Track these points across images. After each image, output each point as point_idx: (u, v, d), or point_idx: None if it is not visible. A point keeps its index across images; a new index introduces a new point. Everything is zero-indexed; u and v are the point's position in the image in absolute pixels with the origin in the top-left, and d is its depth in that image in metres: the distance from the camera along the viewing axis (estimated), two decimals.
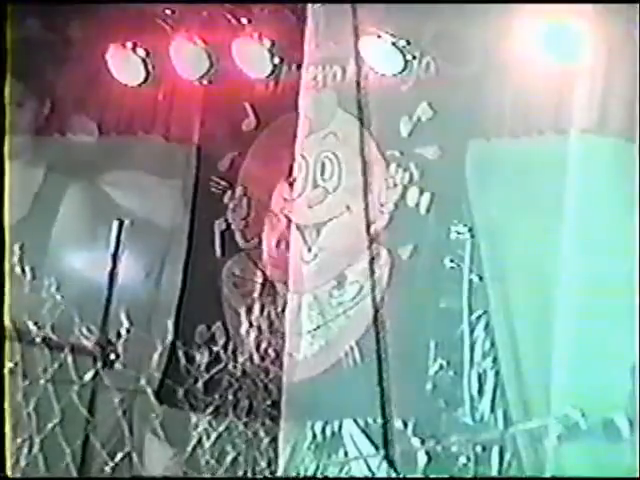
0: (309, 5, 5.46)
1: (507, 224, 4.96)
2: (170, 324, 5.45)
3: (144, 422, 5.43)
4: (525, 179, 4.92)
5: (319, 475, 5.26)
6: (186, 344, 5.40)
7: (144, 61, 5.63)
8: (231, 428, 5.31)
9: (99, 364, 5.43)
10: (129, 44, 5.62)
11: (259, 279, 5.58)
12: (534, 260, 4.87)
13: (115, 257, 5.52)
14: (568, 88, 4.83)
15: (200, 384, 5.37)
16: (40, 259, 5.71)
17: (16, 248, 5.62)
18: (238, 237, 5.70)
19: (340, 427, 5.23)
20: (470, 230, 5.05)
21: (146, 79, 5.68)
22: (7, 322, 5.08)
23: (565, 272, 4.78)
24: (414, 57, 5.18)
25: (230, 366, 5.31)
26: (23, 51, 5.38)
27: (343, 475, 5.21)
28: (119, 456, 5.42)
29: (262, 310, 5.35)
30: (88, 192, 5.70)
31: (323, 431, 5.25)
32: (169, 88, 5.74)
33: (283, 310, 5.25)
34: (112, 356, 5.55)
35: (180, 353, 5.40)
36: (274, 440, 5.22)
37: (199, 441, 5.34)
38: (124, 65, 5.67)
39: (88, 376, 5.48)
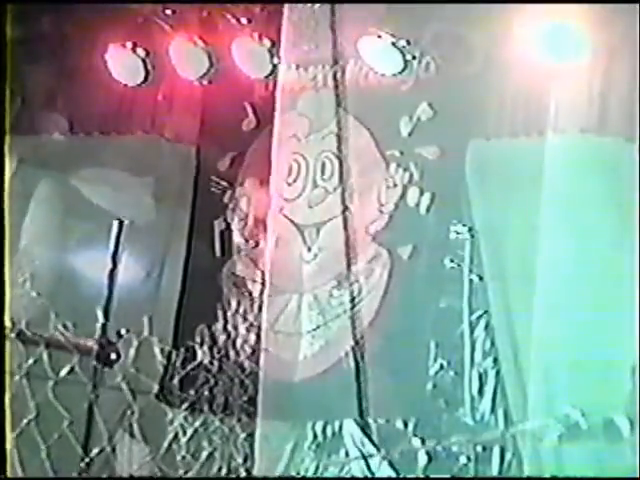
0: (309, 5, 5.47)
1: (507, 224, 4.96)
2: (146, 320, 5.43)
3: (119, 418, 5.41)
4: (525, 179, 4.92)
5: (319, 475, 5.27)
6: (162, 341, 5.40)
7: (144, 61, 5.63)
8: (207, 424, 5.30)
9: (75, 360, 5.40)
10: (129, 44, 5.62)
11: (259, 279, 5.58)
12: (534, 260, 4.86)
13: (115, 257, 5.52)
14: (568, 88, 4.83)
15: (176, 380, 5.36)
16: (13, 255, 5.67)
17: None
18: (238, 237, 5.70)
19: (340, 427, 5.23)
20: (470, 230, 5.05)
21: (146, 79, 5.68)
22: (7, 322, 5.11)
23: (564, 272, 4.78)
24: (414, 57, 5.18)
25: (206, 362, 5.30)
26: (23, 51, 5.38)
27: (343, 475, 5.22)
28: (94, 452, 5.40)
29: (238, 307, 5.35)
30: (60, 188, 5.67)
31: (323, 431, 5.25)
32: (169, 88, 5.74)
33: (260, 308, 5.25)
34: (113, 356, 5.55)
35: (156, 350, 5.40)
36: (250, 436, 5.22)
37: (175, 437, 5.34)
38: (124, 65, 5.67)
39: (64, 372, 5.47)
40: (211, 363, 5.28)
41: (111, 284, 5.49)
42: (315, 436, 5.26)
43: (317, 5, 5.42)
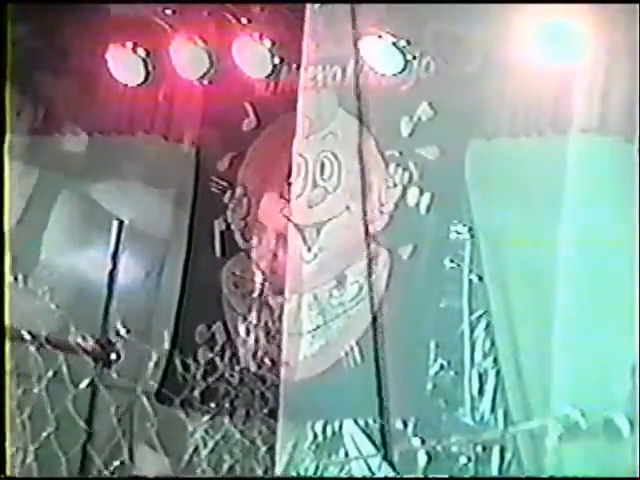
0: (309, 5, 5.46)
1: (507, 224, 4.96)
2: (167, 334, 5.42)
3: (140, 430, 5.40)
4: (525, 179, 4.92)
5: (319, 475, 5.27)
6: (183, 352, 5.38)
7: (144, 61, 5.63)
8: (228, 436, 5.29)
9: (97, 369, 5.40)
10: (129, 44, 5.62)
11: (259, 279, 5.58)
12: (534, 260, 4.86)
13: (115, 257, 5.53)
14: (568, 88, 4.83)
15: (197, 392, 5.35)
16: (33, 266, 5.67)
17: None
18: (238, 237, 5.70)
19: (340, 427, 5.23)
20: (470, 230, 5.05)
21: (146, 79, 5.68)
22: (7, 322, 5.11)
23: (564, 272, 4.78)
24: (414, 57, 5.18)
25: (227, 374, 5.29)
26: (22, 51, 5.38)
27: (343, 475, 5.21)
28: (115, 464, 5.40)
29: (259, 318, 5.34)
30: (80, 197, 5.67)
31: (323, 431, 5.25)
32: (169, 88, 5.74)
33: (280, 317, 5.24)
34: (113, 356, 5.55)
35: (177, 361, 5.39)
36: (271, 448, 5.20)
37: (196, 449, 5.33)
38: (124, 65, 5.67)
39: (84, 384, 5.46)
40: (232, 375, 5.27)
41: (111, 284, 5.51)
42: (315, 436, 5.27)
43: (317, 5, 5.42)
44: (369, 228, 5.32)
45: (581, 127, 4.80)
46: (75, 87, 5.87)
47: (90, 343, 5.55)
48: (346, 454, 5.21)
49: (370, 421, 5.16)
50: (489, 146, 5.05)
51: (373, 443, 5.14)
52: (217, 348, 5.46)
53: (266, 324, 5.31)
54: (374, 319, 5.17)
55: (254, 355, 5.28)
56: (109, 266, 5.58)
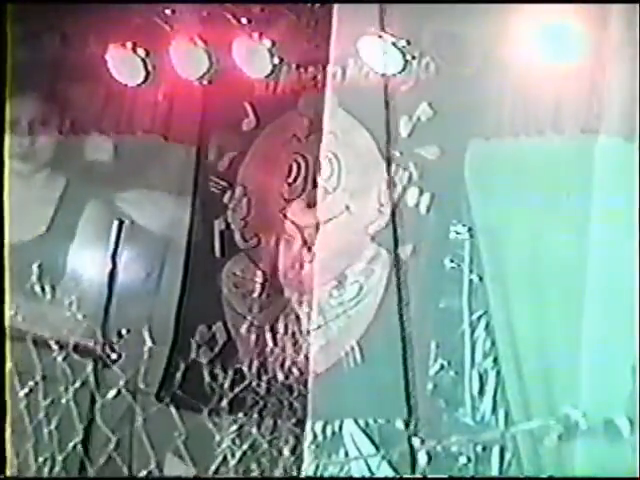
0: (309, 5, 5.47)
1: (507, 224, 4.96)
2: (194, 343, 5.40)
3: (168, 440, 5.38)
4: (525, 179, 4.92)
5: (319, 475, 5.27)
6: (210, 362, 5.37)
7: (144, 61, 5.62)
8: (256, 446, 5.28)
9: (122, 382, 5.40)
10: (129, 44, 5.61)
11: (259, 279, 5.57)
12: (534, 260, 4.87)
13: (114, 257, 5.53)
14: (568, 88, 4.83)
15: (225, 402, 5.34)
16: (60, 277, 5.66)
17: (34, 267, 5.62)
18: (238, 237, 5.70)
19: (340, 427, 5.23)
20: (470, 230, 5.05)
21: (146, 79, 5.68)
22: (7, 322, 5.11)
23: (564, 272, 4.78)
24: (414, 57, 5.18)
25: (255, 384, 5.28)
26: (22, 51, 5.39)
27: (343, 475, 5.22)
28: (141, 474, 5.39)
29: (286, 328, 5.33)
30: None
31: (323, 431, 5.25)
32: (169, 88, 5.74)
33: (308, 331, 5.22)
34: (113, 356, 5.55)
35: (205, 371, 5.37)
36: (298, 458, 5.19)
37: (224, 459, 5.31)
38: (124, 65, 5.67)
39: (111, 394, 5.46)
40: (259, 385, 5.26)
41: (111, 284, 5.51)
42: (315, 436, 5.27)
43: (317, 5, 5.42)
44: (369, 228, 5.33)
45: (581, 127, 4.80)
46: (75, 87, 5.86)
47: (90, 343, 5.55)
48: (346, 454, 5.22)
49: (370, 421, 5.17)
50: (489, 146, 5.05)
51: (373, 443, 5.15)
52: (216, 349, 5.46)
53: (293, 334, 5.30)
54: (372, 321, 5.16)
55: (282, 365, 5.27)
56: (109, 266, 5.58)
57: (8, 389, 5.14)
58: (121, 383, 5.40)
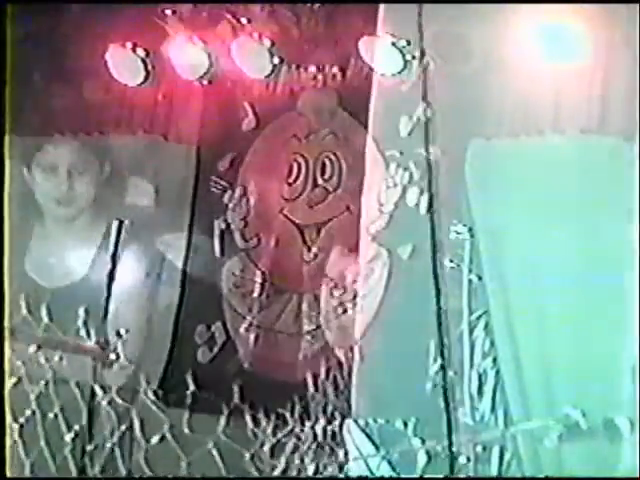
0: (308, 5, 5.47)
1: (507, 224, 4.96)
2: (236, 387, 5.38)
3: None
4: (525, 179, 4.91)
5: (319, 475, 5.27)
6: (253, 407, 5.35)
7: (144, 61, 5.62)
8: None
9: (166, 427, 5.38)
10: (129, 44, 5.61)
11: (259, 279, 5.58)
12: (534, 260, 4.86)
13: (114, 257, 5.52)
14: (568, 88, 4.83)
15: (267, 447, 5.32)
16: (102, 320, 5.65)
17: (81, 311, 5.61)
18: (238, 237, 5.70)
19: (340, 427, 5.23)
20: (470, 230, 5.05)
21: (146, 79, 5.68)
22: (7, 323, 5.11)
23: (564, 272, 4.78)
24: (414, 57, 5.18)
25: (297, 429, 5.27)
26: (21, 51, 5.38)
27: (343, 475, 5.22)
28: None
29: (328, 373, 5.31)
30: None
31: (323, 431, 5.26)
32: (169, 88, 5.74)
33: (349, 373, 5.21)
34: (112, 356, 5.55)
35: (247, 416, 5.36)
36: None
37: None
38: (124, 65, 5.67)
39: (155, 439, 5.46)
40: (302, 431, 5.26)
41: (110, 284, 5.51)
42: (315, 436, 5.27)
43: (317, 5, 5.42)
44: (369, 228, 5.32)
45: (581, 127, 4.80)
46: (74, 87, 5.87)
47: (90, 343, 5.56)
48: (346, 454, 5.22)
49: (370, 421, 5.17)
50: (489, 146, 5.04)
51: (373, 443, 5.15)
52: (216, 349, 5.45)
53: (335, 379, 5.29)
54: (372, 321, 5.16)
55: (324, 410, 5.27)
56: (109, 266, 5.58)
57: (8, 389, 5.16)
58: (165, 427, 5.40)
